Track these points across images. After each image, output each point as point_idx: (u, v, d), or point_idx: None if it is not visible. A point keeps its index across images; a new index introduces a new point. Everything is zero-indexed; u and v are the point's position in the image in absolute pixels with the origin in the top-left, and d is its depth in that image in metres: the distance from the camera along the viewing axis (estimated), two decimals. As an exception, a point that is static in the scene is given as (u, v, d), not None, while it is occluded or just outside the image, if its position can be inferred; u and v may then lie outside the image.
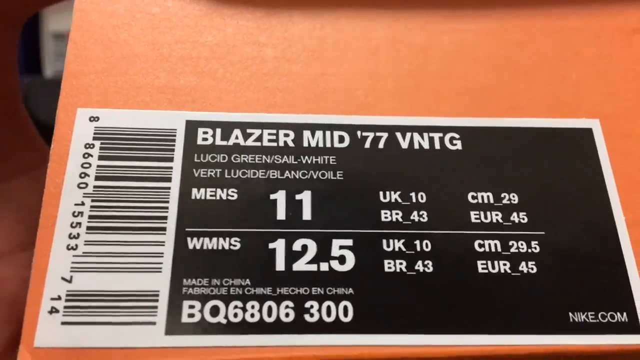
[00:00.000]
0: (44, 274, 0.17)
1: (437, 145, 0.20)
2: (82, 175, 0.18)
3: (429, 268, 0.18)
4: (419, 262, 0.18)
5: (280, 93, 0.20)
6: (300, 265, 0.18)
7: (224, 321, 0.17)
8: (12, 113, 0.25)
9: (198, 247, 0.18)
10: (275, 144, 0.20)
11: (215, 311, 0.17)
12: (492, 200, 0.19)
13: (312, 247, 0.18)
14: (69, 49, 0.21)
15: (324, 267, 0.18)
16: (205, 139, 0.19)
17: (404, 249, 0.18)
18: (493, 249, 0.18)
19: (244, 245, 0.18)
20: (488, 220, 0.19)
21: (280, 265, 0.18)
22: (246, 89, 0.20)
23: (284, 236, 0.18)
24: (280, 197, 0.19)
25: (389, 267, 0.18)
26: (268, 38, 0.21)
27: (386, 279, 0.18)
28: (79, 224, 0.18)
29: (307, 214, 0.18)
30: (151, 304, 0.17)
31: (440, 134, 0.20)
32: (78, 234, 0.18)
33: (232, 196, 0.19)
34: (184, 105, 0.20)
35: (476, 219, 0.19)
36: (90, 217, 0.18)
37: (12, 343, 0.21)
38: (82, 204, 0.18)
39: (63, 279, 0.17)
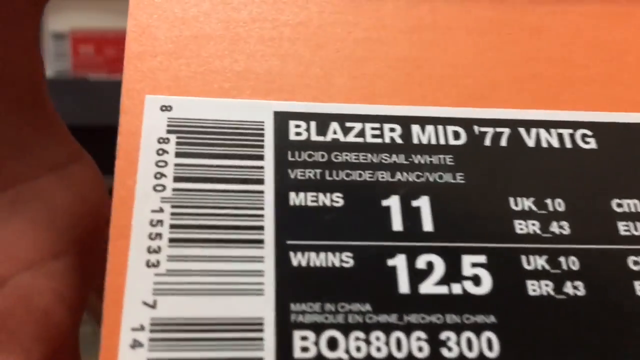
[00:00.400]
0: (121, 297, 0.14)
1: (568, 144, 0.17)
2: (158, 175, 0.15)
3: (579, 290, 0.15)
4: (568, 283, 0.15)
5: (380, 80, 0.17)
6: (427, 287, 0.15)
7: (345, 357, 0.14)
8: (37, 103, 0.22)
9: (303, 263, 0.15)
10: (380, 140, 0.16)
11: (333, 344, 0.14)
12: (640, 209, 0.16)
13: (439, 265, 0.15)
14: (129, 25, 0.17)
15: (456, 289, 0.15)
16: (298, 134, 0.16)
17: (547, 268, 0.15)
18: (651, 267, 0.15)
19: (359, 262, 0.15)
20: (639, 233, 0.16)
21: (404, 287, 0.15)
22: (339, 76, 0.17)
23: (404, 251, 0.15)
24: (394, 203, 0.16)
25: (534, 290, 0.15)
26: (357, 17, 0.18)
27: (532, 303, 0.15)
28: (159, 235, 0.15)
29: (427, 224, 0.15)
30: (255, 335, 0.14)
31: (570, 130, 0.17)
32: (159, 247, 0.14)
33: (337, 202, 0.15)
34: (269, 93, 0.17)
35: (625, 230, 0.16)
36: (172, 226, 0.15)
37: None
38: (161, 210, 0.15)
39: (145, 303, 0.14)
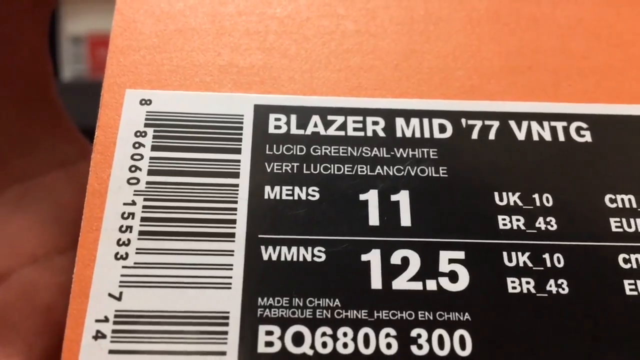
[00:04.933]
0: (88, 289, 0.14)
1: (562, 137, 0.16)
2: (133, 168, 0.15)
3: (563, 289, 0.14)
4: (551, 281, 0.14)
5: (365, 73, 0.17)
6: (401, 283, 0.14)
7: (310, 352, 0.13)
8: (44, 102, 0.22)
9: (274, 257, 0.14)
10: (362, 134, 0.16)
11: (298, 339, 0.14)
12: (634, 205, 0.15)
13: (415, 260, 0.14)
14: (115, 20, 0.17)
15: (431, 285, 0.14)
16: (278, 127, 0.16)
17: (530, 265, 0.14)
18: (642, 266, 0.14)
19: (331, 257, 0.14)
20: (632, 230, 0.15)
21: (376, 283, 0.14)
22: (324, 69, 0.17)
23: (378, 246, 0.15)
24: (371, 197, 0.15)
25: (514, 287, 0.14)
26: (348, 9, 0.18)
27: (510, 301, 0.14)
28: (130, 227, 0.14)
29: (405, 219, 0.15)
30: (220, 329, 0.14)
31: (564, 123, 0.16)
32: (128, 240, 0.14)
33: (314, 196, 0.15)
34: (251, 86, 0.17)
35: (617, 227, 0.15)
36: (143, 219, 0.15)
37: (46, 358, 0.18)
38: (133, 203, 0.15)
39: (111, 295, 0.14)
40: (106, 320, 0.14)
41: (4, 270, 0.19)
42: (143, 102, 0.16)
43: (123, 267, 0.14)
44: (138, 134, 0.16)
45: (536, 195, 0.15)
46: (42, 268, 0.20)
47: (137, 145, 0.15)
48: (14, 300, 0.19)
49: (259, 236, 0.15)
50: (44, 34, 0.22)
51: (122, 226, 0.14)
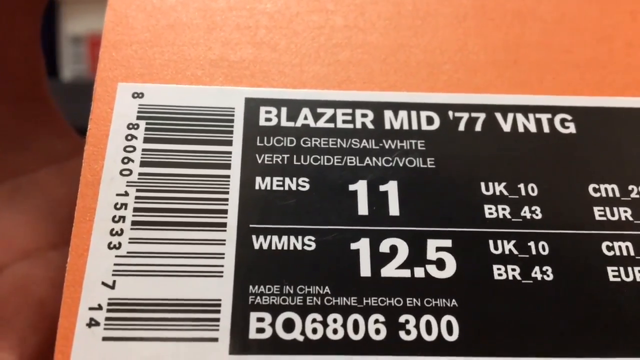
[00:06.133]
0: (81, 278, 0.14)
1: (546, 129, 0.16)
2: (125, 160, 0.15)
3: (548, 276, 0.14)
4: (536, 268, 0.15)
5: (354, 67, 0.17)
6: (389, 271, 0.14)
7: (301, 338, 0.14)
8: (37, 99, 0.22)
9: (265, 247, 0.15)
10: (351, 126, 0.16)
11: (289, 325, 0.14)
12: (618, 194, 0.16)
13: (403, 249, 0.15)
14: (107, 16, 0.18)
15: (419, 272, 0.14)
16: (268, 120, 0.16)
17: (515, 252, 0.15)
18: (625, 253, 0.15)
19: (321, 246, 0.15)
20: (615, 218, 0.15)
21: (365, 270, 0.14)
22: (314, 63, 0.17)
23: (367, 235, 0.15)
24: (360, 188, 0.15)
25: (499, 274, 0.14)
26: (337, 5, 0.18)
27: (496, 288, 0.14)
28: (122, 218, 0.15)
29: (394, 209, 0.15)
30: (212, 316, 0.14)
31: (549, 115, 0.17)
32: (121, 230, 0.15)
33: (304, 187, 0.15)
34: (241, 80, 0.17)
35: (601, 216, 0.15)
36: (136, 209, 0.15)
37: (40, 353, 0.18)
38: (126, 194, 0.15)
39: (104, 284, 0.14)
40: (100, 308, 0.14)
41: None
42: (135, 95, 0.16)
43: (116, 256, 0.14)
44: (130, 126, 0.16)
45: (521, 185, 0.16)
46: (35, 263, 0.20)
47: (129, 137, 0.16)
48: (7, 294, 0.19)
49: (250, 226, 0.15)
50: (37, 31, 0.22)
51: (115, 216, 0.15)
